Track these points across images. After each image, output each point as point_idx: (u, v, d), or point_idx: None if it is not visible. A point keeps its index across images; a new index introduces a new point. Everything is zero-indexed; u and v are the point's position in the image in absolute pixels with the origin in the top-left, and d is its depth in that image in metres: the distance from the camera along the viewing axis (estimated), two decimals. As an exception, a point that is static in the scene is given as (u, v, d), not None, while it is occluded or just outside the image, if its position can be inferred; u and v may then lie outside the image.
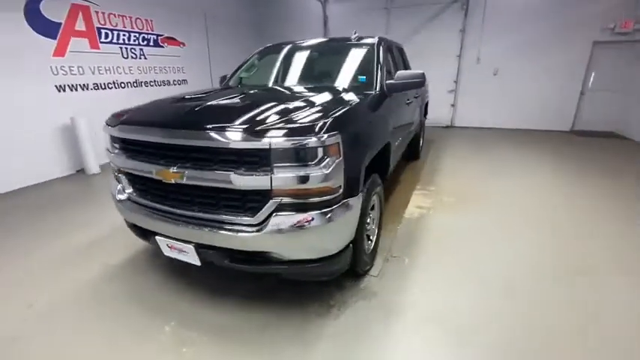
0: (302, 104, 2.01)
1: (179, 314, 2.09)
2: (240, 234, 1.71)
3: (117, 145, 2.07)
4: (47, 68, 4.63)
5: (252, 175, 1.63)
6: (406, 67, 4.17)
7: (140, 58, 5.98)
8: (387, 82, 2.74)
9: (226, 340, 1.89)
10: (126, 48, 5.70)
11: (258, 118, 1.72)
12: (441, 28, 7.67)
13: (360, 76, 2.75)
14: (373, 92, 2.58)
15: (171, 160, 1.81)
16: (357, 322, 2.00)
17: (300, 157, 1.60)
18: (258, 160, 1.63)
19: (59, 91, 4.79)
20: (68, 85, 4.90)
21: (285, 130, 1.61)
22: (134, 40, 5.83)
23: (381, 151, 2.48)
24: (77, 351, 1.84)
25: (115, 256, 2.72)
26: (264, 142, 1.58)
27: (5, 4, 4.11)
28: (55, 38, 4.67)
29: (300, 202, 1.68)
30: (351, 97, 2.29)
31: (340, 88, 2.62)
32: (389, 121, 2.59)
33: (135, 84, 5.94)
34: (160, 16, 6.24)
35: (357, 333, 1.92)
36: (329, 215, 1.71)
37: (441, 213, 3.46)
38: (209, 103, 2.06)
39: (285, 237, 1.70)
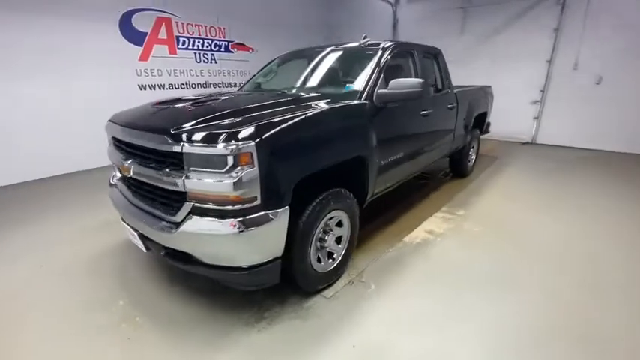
0: (250, 111, 2.00)
1: (138, 294, 2.33)
2: (164, 230, 1.82)
3: (108, 139, 2.43)
4: (133, 70, 5.63)
5: (171, 176, 1.72)
6: (442, 74, 3.72)
7: (211, 62, 6.75)
8: (380, 91, 2.51)
9: (159, 327, 2.03)
10: (199, 53, 6.51)
11: (190, 122, 1.80)
12: (528, 27, 6.57)
13: (347, 84, 2.59)
14: (356, 101, 2.40)
15: (127, 155, 2.03)
16: (281, 340, 1.92)
17: (209, 163, 1.62)
18: (177, 163, 1.71)
19: (140, 89, 5.77)
20: (148, 85, 5.86)
21: (199, 136, 1.65)
22: (207, 47, 6.60)
23: (350, 166, 2.30)
24: (48, 308, 2.23)
25: (121, 235, 3.17)
26: (178, 146, 1.65)
27: (105, 17, 5.15)
28: (141, 45, 5.64)
29: (213, 209, 1.69)
30: (315, 104, 2.19)
31: (316, 96, 2.53)
32: (368, 133, 2.37)
33: (205, 85, 6.74)
34: (233, 24, 6.91)
35: (273, 352, 1.84)
36: (241, 225, 1.68)
37: (451, 244, 2.99)
38: (171, 107, 2.24)
39: (198, 240, 1.74)
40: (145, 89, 5.81)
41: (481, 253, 2.82)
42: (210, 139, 1.61)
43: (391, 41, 2.96)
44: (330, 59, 3.08)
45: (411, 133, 3.00)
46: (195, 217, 1.73)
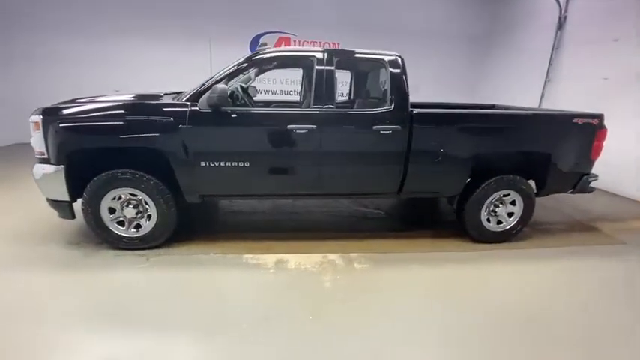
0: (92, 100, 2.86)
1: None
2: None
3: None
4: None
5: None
6: (387, 88, 2.85)
7: (320, 74, 7.63)
8: (207, 96, 2.63)
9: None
10: (310, 66, 7.55)
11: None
12: None
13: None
14: (181, 102, 2.69)
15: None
16: (55, 255, 2.73)
17: (31, 126, 2.64)
18: None
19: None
20: (263, 90, 7.53)
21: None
22: (318, 60, 7.53)
23: (155, 157, 2.66)
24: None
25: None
26: (35, 116, 2.78)
27: (240, 39, 7.15)
28: (263, 60, 7.34)
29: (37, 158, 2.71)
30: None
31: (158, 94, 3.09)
32: (173, 131, 2.60)
33: (311, 93, 7.75)
34: (346, 39, 7.42)
35: (45, 259, 2.68)
36: (41, 169, 2.61)
37: (275, 280, 2.58)
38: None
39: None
40: (261, 93, 7.51)
41: (279, 301, 2.33)
42: (33, 112, 2.63)
43: (262, 51, 2.91)
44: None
45: (265, 146, 2.76)
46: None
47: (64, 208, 2.73)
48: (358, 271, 2.73)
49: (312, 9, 7.35)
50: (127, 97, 3.06)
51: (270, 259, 2.84)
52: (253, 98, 4.51)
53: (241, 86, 3.31)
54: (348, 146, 2.87)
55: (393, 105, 2.84)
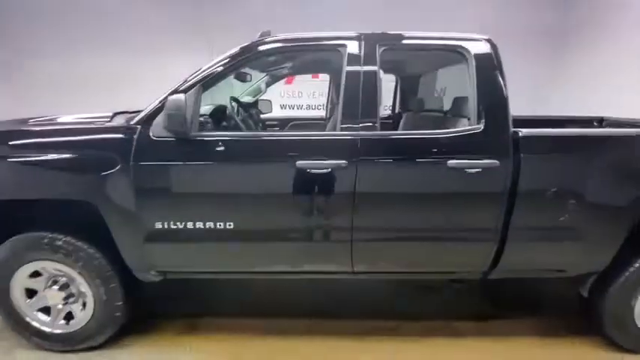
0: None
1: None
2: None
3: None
4: (278, 92, 6.50)
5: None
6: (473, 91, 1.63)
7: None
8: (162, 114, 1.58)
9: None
10: (339, 76, 6.51)
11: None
12: None
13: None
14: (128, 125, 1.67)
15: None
16: None
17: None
18: None
19: (282, 108, 6.58)
20: (288, 105, 6.61)
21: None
22: (350, 70, 6.48)
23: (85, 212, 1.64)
24: None
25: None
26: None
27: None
28: (287, 71, 6.43)
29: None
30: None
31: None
32: (109, 172, 1.57)
33: (341, 106, 6.68)
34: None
35: None
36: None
37: None
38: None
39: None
40: (285, 108, 6.59)
41: None
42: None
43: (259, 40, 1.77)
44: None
45: (261, 196, 1.64)
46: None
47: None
48: None
49: (345, 12, 6.37)
50: (78, 118, 2.14)
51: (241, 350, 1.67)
52: (264, 116, 3.49)
53: (235, 99, 2.27)
54: (403, 196, 1.65)
55: (483, 123, 1.61)
